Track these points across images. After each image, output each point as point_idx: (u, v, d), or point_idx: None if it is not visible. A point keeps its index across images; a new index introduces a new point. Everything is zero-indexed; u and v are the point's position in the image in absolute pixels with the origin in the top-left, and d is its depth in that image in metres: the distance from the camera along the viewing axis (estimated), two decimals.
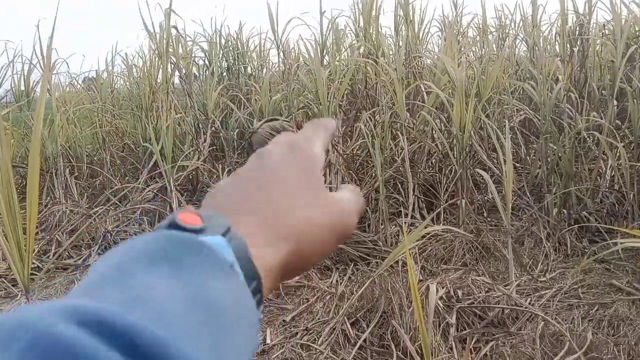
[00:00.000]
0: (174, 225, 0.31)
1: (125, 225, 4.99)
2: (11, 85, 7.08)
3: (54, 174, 5.86)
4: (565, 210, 4.40)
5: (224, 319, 0.27)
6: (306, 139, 0.42)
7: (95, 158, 6.63)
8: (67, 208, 5.18)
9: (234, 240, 0.31)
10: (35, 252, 4.53)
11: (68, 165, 6.08)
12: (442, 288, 3.34)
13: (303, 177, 0.38)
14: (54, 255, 4.49)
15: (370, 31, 6.84)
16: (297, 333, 3.24)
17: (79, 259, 4.52)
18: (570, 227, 4.19)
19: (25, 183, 2.67)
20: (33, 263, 4.29)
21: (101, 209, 5.20)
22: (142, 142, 6.52)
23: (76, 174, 6.12)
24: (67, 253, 4.59)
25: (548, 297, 3.30)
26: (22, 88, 7.26)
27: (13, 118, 6.89)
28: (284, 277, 0.35)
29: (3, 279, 4.08)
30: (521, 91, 6.37)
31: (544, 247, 4.01)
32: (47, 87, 6.92)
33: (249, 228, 0.33)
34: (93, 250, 4.59)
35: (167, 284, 0.26)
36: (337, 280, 3.87)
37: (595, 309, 3.14)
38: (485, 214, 4.79)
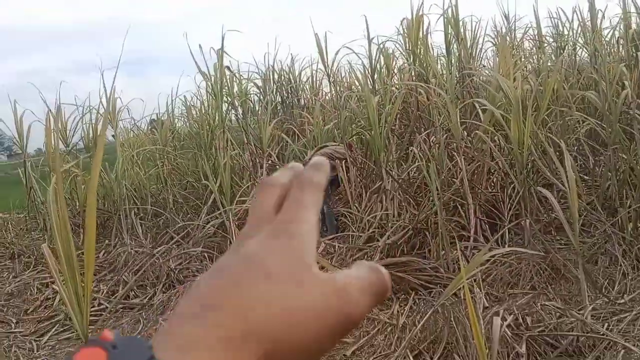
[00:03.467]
0: None
1: (188, 263, 5.10)
2: (81, 134, 7.53)
3: (122, 216, 6.13)
4: None
5: None
6: (294, 211, 0.34)
7: (159, 198, 6.88)
8: (132, 249, 5.37)
9: None
10: (104, 292, 4.71)
11: (134, 207, 6.33)
12: (510, 315, 3.15)
13: (286, 261, 0.31)
14: (120, 296, 4.64)
15: (419, 52, 6.77)
16: None
17: (145, 298, 4.65)
18: None
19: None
20: (101, 304, 4.45)
21: (164, 247, 5.35)
22: (202, 179, 6.71)
23: (141, 214, 6.36)
24: (133, 293, 4.74)
25: (628, 322, 3.03)
26: (91, 135, 7.70)
27: (84, 164, 7.32)
28: None
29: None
30: (587, 101, 6.05)
31: (620, 265, 3.71)
32: (107, 134, 7.33)
33: (210, 336, 0.28)
34: (157, 289, 4.71)
35: None
36: (397, 311, 3.75)
37: None
38: (553, 233, 4.52)
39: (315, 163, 0.39)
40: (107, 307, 4.45)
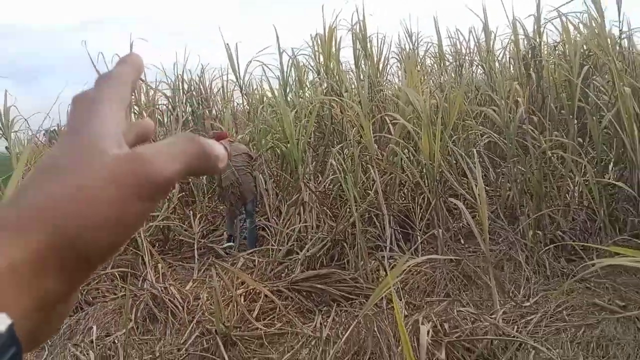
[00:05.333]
0: None
1: (97, 283, 4.80)
2: None
3: None
4: (540, 232, 4.44)
5: None
6: (86, 108, 0.31)
7: None
8: None
9: None
10: None
11: None
12: (429, 322, 3.28)
13: (79, 149, 0.29)
14: None
15: (331, 67, 6.92)
16: None
17: None
18: (547, 248, 4.22)
19: None
20: None
21: None
22: None
23: None
24: None
25: (535, 323, 3.28)
26: None
27: None
28: (62, 269, 0.26)
29: None
30: (483, 116, 6.51)
31: (524, 270, 4.02)
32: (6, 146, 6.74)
33: None
34: None
35: None
36: (321, 323, 3.78)
37: (582, 330, 3.14)
38: (462, 241, 4.80)
39: (123, 57, 0.36)
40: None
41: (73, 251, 0.26)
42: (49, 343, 4.01)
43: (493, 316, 3.31)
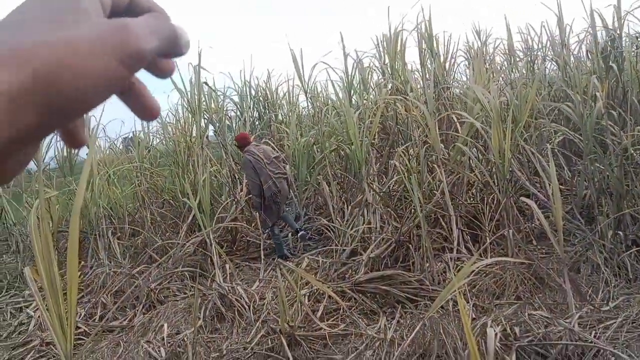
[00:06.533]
0: None
1: (168, 282, 4.99)
2: (54, 152, 7.36)
3: (97, 236, 5.97)
4: (620, 232, 4.15)
5: None
6: None
7: (136, 216, 6.74)
8: (110, 270, 5.23)
9: None
10: (82, 315, 4.56)
11: (110, 226, 6.18)
12: (498, 326, 3.15)
13: (62, 5, 0.31)
14: (100, 319, 4.50)
15: (397, 67, 6.84)
16: None
17: (124, 320, 4.51)
18: (629, 250, 3.93)
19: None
20: (79, 327, 4.31)
21: (144, 267, 5.23)
22: (180, 197, 6.60)
23: (118, 234, 6.21)
24: (112, 315, 4.60)
25: (615, 328, 3.06)
26: (64, 154, 7.54)
27: (57, 183, 7.13)
28: (35, 112, 0.27)
29: (52, 346, 4.09)
30: (557, 112, 6.19)
31: (603, 273, 3.77)
32: (81, 153, 7.18)
33: None
34: (137, 310, 4.58)
35: None
36: (385, 325, 3.71)
37: None
38: (534, 242, 4.58)
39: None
40: (85, 331, 4.31)
41: (47, 98, 0.27)
42: (124, 339, 4.21)
43: (568, 320, 3.12)
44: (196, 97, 6.67)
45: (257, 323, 4.03)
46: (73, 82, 0.28)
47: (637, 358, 2.64)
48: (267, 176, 5.51)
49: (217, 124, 7.63)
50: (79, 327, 4.35)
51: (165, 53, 0.34)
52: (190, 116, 7.23)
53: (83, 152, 7.24)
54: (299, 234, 5.83)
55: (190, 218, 5.85)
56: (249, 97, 8.58)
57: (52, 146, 7.30)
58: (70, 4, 0.31)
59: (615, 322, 3.12)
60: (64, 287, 2.12)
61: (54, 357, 3.96)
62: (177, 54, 0.36)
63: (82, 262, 5.83)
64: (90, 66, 0.28)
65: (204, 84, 7.11)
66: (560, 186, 5.39)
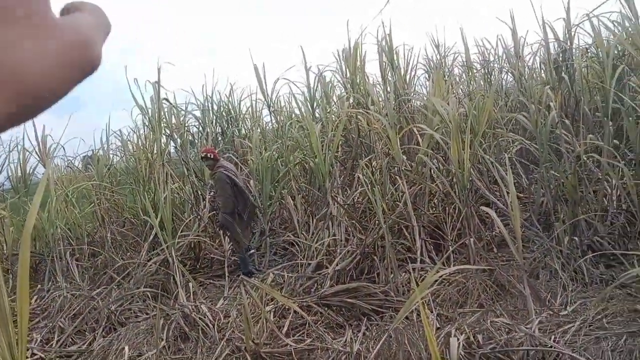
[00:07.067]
0: None
1: (129, 304, 4.86)
2: (8, 173, 7.10)
3: (55, 258, 5.78)
4: (576, 238, 4.27)
5: None
6: None
7: (96, 236, 6.56)
8: (68, 292, 5.06)
9: None
10: (38, 341, 4.39)
11: (69, 247, 6.00)
12: (461, 334, 3.18)
13: (19, 7, 0.31)
14: (57, 344, 4.34)
15: (357, 81, 6.92)
16: None
17: (84, 344, 4.37)
18: (585, 255, 4.05)
19: None
20: (35, 354, 4.15)
21: (104, 289, 5.09)
22: (141, 215, 6.46)
23: (77, 255, 6.03)
24: (71, 340, 4.44)
25: (573, 332, 3.13)
26: (19, 174, 7.29)
27: (11, 205, 6.88)
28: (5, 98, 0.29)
29: None
30: (514, 122, 6.36)
31: (561, 278, 3.86)
32: (37, 173, 6.98)
33: None
34: (97, 333, 4.44)
35: None
36: (351, 338, 3.70)
37: (624, 338, 2.97)
38: (495, 250, 4.66)
39: None
40: (41, 357, 4.14)
41: (13, 92, 0.29)
42: None
43: (528, 326, 3.17)
44: (156, 113, 6.57)
45: (222, 342, 3.96)
46: (35, 87, 0.30)
47: None
48: (247, 189, 5.50)
49: (179, 140, 7.52)
50: (35, 354, 4.19)
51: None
52: (151, 133, 7.11)
53: (39, 171, 7.04)
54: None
55: (152, 236, 5.72)
56: (211, 112, 8.51)
57: (5, 167, 7.06)
58: (37, 12, 0.32)
59: (573, 326, 3.19)
60: (15, 313, 2.04)
61: None
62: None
63: (39, 286, 5.63)
64: (55, 74, 0.31)
65: (164, 100, 7.02)
66: (519, 194, 5.52)
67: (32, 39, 0.31)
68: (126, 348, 4.04)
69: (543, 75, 7.39)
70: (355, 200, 5.61)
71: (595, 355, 2.83)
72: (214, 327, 4.17)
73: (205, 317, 4.28)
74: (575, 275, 3.92)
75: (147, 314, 4.72)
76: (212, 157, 5.79)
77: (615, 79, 5.25)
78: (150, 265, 5.34)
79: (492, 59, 8.57)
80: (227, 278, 5.28)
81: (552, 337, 3.12)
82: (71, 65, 0.32)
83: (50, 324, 4.66)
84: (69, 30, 0.33)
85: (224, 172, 5.47)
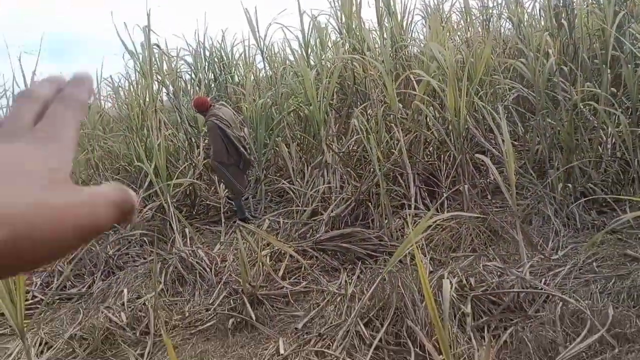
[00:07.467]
0: None
1: (127, 248, 4.91)
2: None
3: None
4: (570, 185, 4.31)
5: None
6: (52, 127, 0.35)
7: (90, 184, 6.54)
8: None
9: None
10: (37, 285, 4.46)
11: None
12: (454, 277, 3.25)
13: (42, 165, 0.32)
14: (56, 287, 4.41)
15: (353, 26, 6.76)
16: (310, 340, 3.15)
17: (83, 287, 4.44)
18: (577, 201, 4.10)
19: None
20: (35, 296, 4.22)
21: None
22: (135, 162, 6.44)
23: None
24: (70, 282, 4.51)
25: (563, 275, 3.21)
26: None
27: None
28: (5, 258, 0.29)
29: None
30: (511, 69, 6.29)
31: (553, 224, 3.92)
32: None
33: None
34: (96, 277, 4.51)
35: None
36: (346, 281, 3.78)
37: (613, 281, 3.06)
38: (489, 197, 4.70)
39: (77, 77, 0.39)
40: (42, 300, 4.21)
41: (16, 251, 0.29)
42: (83, 306, 4.15)
43: (520, 269, 3.25)
44: (147, 59, 6.43)
45: (219, 285, 4.04)
46: (40, 247, 0.30)
47: (582, 301, 2.78)
48: (238, 141, 5.43)
49: (171, 87, 7.40)
50: (35, 296, 4.26)
51: (119, 223, 0.37)
52: (142, 79, 6.98)
53: None
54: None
55: (146, 183, 5.72)
56: (203, 58, 8.34)
57: None
58: (51, 162, 0.32)
59: (563, 270, 3.27)
60: None
61: (9, 327, 3.87)
62: (126, 224, 0.39)
63: None
64: (59, 238, 0.30)
65: (155, 46, 6.85)
66: (514, 142, 5.53)
67: (44, 194, 0.31)
68: (125, 290, 4.11)
69: (542, 23, 7.24)
70: (350, 148, 5.60)
71: (584, 297, 2.91)
72: (211, 270, 4.24)
73: (202, 261, 4.35)
74: (568, 221, 3.98)
75: (144, 258, 4.78)
76: (195, 110, 5.80)
77: (616, 25, 5.17)
78: (146, 211, 5.37)
79: (491, 4, 8.38)
80: (223, 224, 5.33)
81: (543, 280, 3.20)
82: (70, 221, 0.31)
83: (50, 268, 4.71)
84: (80, 196, 0.33)
85: (216, 121, 5.40)
